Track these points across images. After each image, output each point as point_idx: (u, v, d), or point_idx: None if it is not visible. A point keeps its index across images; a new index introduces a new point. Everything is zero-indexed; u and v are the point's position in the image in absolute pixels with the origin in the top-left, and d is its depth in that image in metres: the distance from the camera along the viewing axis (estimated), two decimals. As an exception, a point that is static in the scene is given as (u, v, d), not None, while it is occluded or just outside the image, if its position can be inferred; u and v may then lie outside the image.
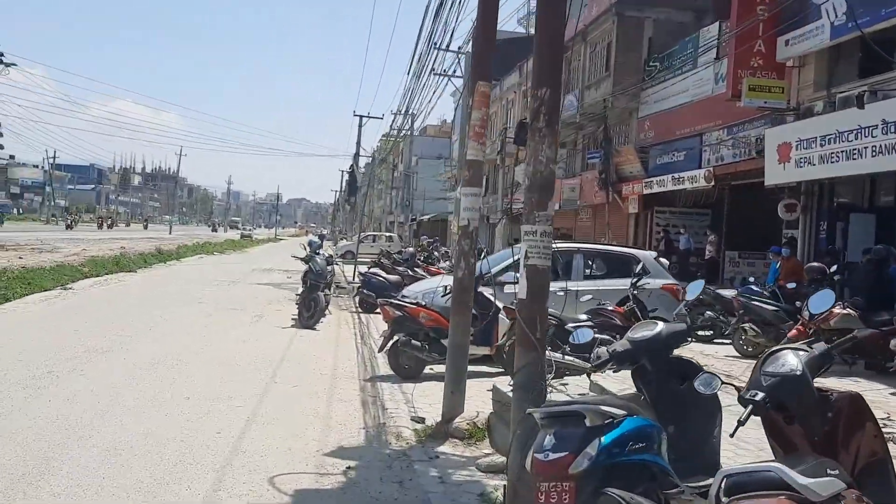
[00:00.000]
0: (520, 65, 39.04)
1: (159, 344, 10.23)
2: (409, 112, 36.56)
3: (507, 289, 9.70)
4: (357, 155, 44.63)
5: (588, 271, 10.57)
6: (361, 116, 44.94)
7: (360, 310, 15.98)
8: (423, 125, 59.77)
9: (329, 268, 14.00)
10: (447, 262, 19.35)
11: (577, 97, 29.58)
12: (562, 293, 10.12)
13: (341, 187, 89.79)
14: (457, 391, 6.23)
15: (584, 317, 8.49)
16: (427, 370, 8.80)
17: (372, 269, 17.72)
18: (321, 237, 30.80)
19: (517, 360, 4.53)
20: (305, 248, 14.20)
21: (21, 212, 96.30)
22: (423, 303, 9.14)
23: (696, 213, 24.91)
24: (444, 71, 32.16)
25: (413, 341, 8.53)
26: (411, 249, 18.18)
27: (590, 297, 8.63)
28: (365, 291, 15.87)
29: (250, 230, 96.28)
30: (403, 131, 46.33)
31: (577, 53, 30.83)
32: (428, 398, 7.46)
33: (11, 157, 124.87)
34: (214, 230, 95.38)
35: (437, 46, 29.84)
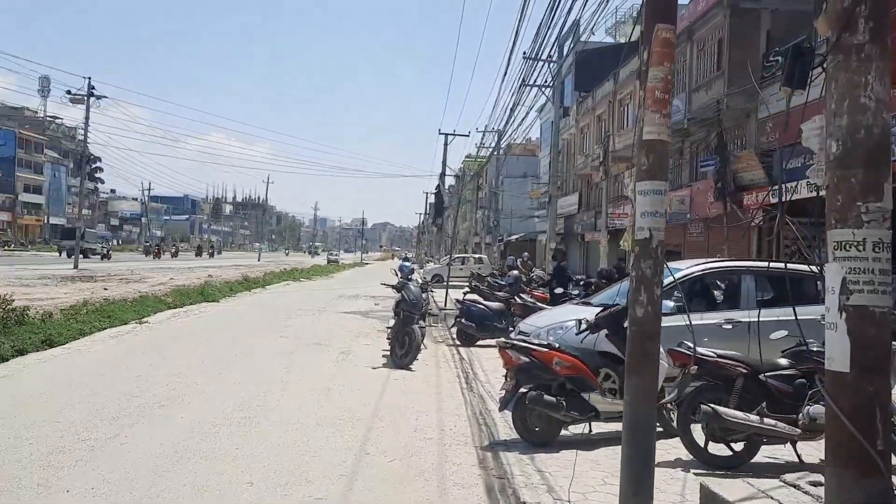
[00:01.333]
0: (614, 73, 36.68)
1: (228, 394, 8.50)
2: (500, 128, 34.77)
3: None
4: (443, 175, 43.06)
5: (761, 297, 8.21)
6: (447, 134, 43.54)
7: (458, 343, 14.01)
8: (508, 141, 57.81)
9: (424, 296, 12.10)
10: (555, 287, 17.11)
11: (684, 101, 26.98)
12: (729, 326, 7.87)
13: (426, 209, 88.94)
14: (641, 492, 4.07)
15: (784, 362, 6.19)
16: (563, 432, 6.68)
17: (469, 296, 15.72)
18: (406, 260, 29.09)
19: (830, 489, 2.38)
20: (396, 274, 12.34)
21: (119, 242, 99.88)
22: (553, 342, 7.04)
23: (831, 224, 21.89)
24: (534, 82, 30.39)
25: (545, 396, 6.42)
26: (516, 272, 16.10)
27: (784, 333, 6.33)
28: (464, 321, 13.90)
29: (336, 255, 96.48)
30: (490, 149, 44.56)
31: (681, 54, 28.28)
32: (580, 482, 5.33)
33: (112, 190, 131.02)
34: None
35: (529, 57, 27.92)
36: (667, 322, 7.89)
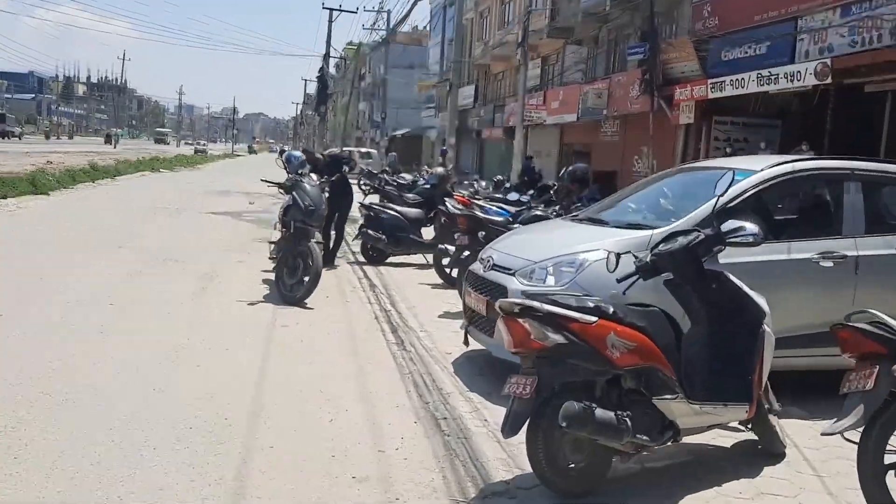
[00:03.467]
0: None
1: (6, 358, 4.93)
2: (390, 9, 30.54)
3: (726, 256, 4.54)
4: (327, 56, 38.45)
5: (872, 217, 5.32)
6: (331, 10, 38.56)
7: (363, 260, 10.77)
8: (396, 25, 52.81)
9: (324, 196, 8.64)
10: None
11: (607, -23, 23.76)
12: (829, 263, 5.04)
13: (304, 98, 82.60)
14: None
15: None
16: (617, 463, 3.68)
17: (371, 199, 12.42)
18: (281, 153, 25.00)
19: None
20: (284, 167, 8.75)
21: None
22: (598, 299, 3.80)
23: (764, 126, 19.88)
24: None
25: (597, 411, 3.34)
26: (441, 170, 12.64)
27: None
28: (371, 233, 10.62)
29: (205, 145, 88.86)
30: (378, 30, 40.00)
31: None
32: None
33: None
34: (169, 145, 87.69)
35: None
36: (738, 256, 4.86)
